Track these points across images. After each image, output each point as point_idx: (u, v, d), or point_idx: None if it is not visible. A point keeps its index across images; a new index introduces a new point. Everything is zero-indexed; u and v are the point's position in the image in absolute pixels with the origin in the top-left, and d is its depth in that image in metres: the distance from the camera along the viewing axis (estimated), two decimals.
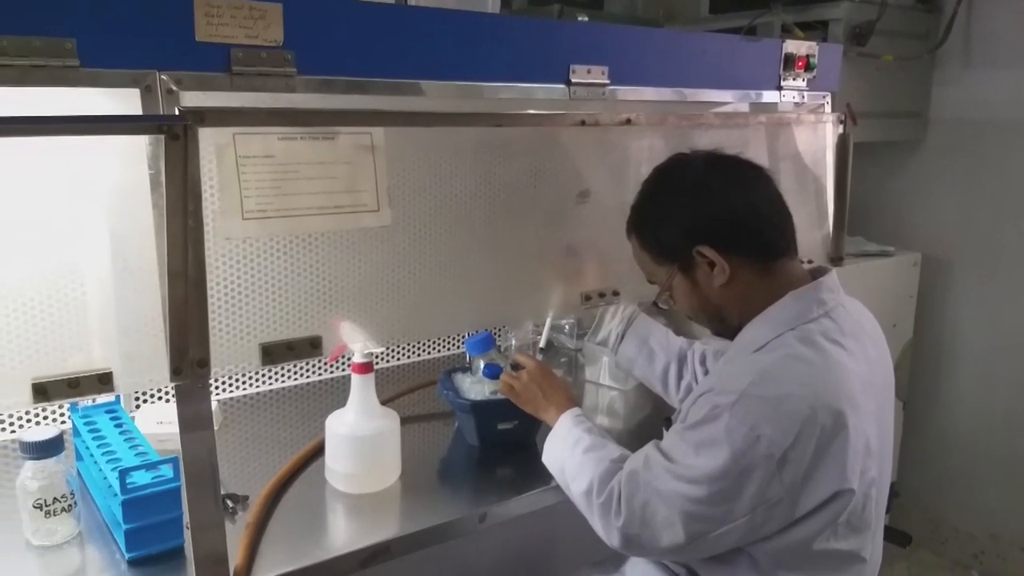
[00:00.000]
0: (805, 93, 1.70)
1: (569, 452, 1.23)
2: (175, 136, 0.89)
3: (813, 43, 1.68)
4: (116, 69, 0.95)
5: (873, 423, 1.11)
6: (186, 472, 1.01)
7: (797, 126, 1.68)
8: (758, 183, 1.20)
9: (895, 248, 2.55)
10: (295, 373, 1.84)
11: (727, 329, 1.23)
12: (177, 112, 0.94)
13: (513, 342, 1.85)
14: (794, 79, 1.66)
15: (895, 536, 2.18)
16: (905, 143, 2.66)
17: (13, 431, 1.52)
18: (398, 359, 2.00)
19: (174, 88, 0.98)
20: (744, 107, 1.65)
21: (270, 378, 1.81)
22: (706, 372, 1.49)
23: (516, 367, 1.46)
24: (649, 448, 1.13)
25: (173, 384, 0.98)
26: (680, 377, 1.53)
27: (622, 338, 1.59)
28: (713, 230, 1.16)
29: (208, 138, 0.99)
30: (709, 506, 1.04)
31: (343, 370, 1.87)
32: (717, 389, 1.08)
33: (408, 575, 1.47)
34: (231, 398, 1.75)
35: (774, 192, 1.21)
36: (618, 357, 1.62)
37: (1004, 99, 2.44)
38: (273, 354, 1.10)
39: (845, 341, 1.12)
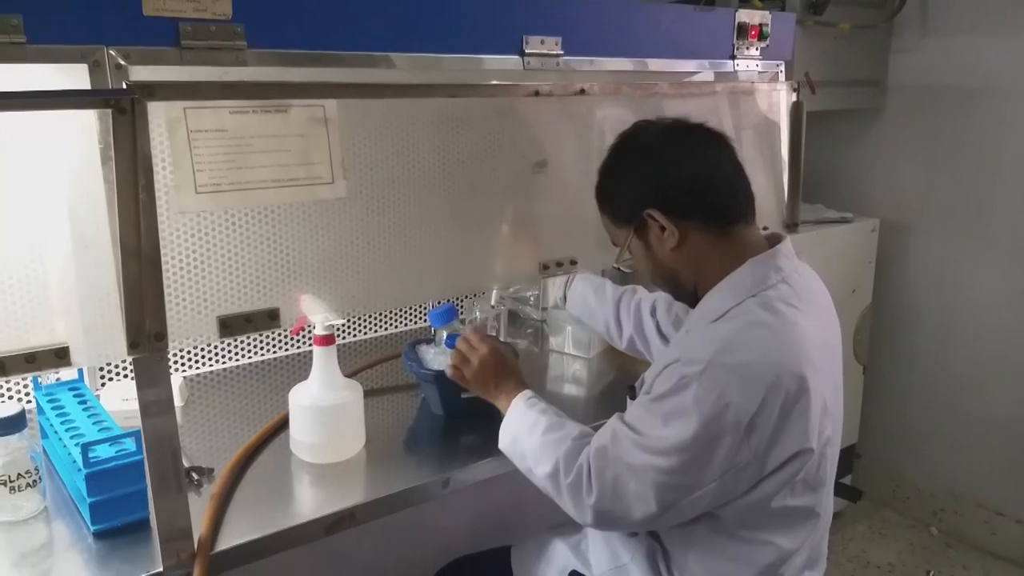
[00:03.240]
0: (759, 62, 1.72)
1: (527, 436, 1.24)
2: (122, 110, 0.90)
3: (766, 12, 1.70)
4: (63, 45, 0.95)
5: (829, 384, 1.15)
6: (147, 443, 1.03)
7: (751, 95, 1.70)
8: (713, 150, 1.22)
9: (854, 215, 2.61)
10: (260, 348, 1.85)
11: (683, 293, 1.25)
12: (124, 86, 0.95)
13: (477, 313, 1.87)
14: (747, 48, 1.68)
15: (846, 492, 2.24)
16: (864, 111, 2.70)
17: None
18: (364, 333, 2.01)
19: (122, 63, 0.98)
20: (701, 76, 1.67)
21: (235, 354, 1.82)
22: (657, 324, 1.54)
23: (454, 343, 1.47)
24: (615, 422, 1.14)
25: (131, 357, 0.99)
26: (619, 324, 1.61)
27: (565, 298, 1.70)
28: (663, 194, 1.18)
29: (159, 112, 0.99)
30: (680, 475, 1.06)
31: (308, 345, 1.89)
32: (683, 359, 1.09)
33: (375, 542, 1.50)
34: (197, 374, 1.76)
35: (729, 159, 1.22)
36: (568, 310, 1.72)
37: (961, 65, 2.49)
38: (231, 326, 1.11)
39: (802, 306, 1.14)
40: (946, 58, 2.52)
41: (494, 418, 1.39)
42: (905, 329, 2.77)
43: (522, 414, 1.28)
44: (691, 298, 1.25)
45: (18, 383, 1.54)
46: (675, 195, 1.18)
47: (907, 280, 2.74)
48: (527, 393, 1.33)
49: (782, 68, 1.78)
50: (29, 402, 1.52)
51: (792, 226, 1.78)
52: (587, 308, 1.66)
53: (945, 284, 2.65)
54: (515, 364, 1.43)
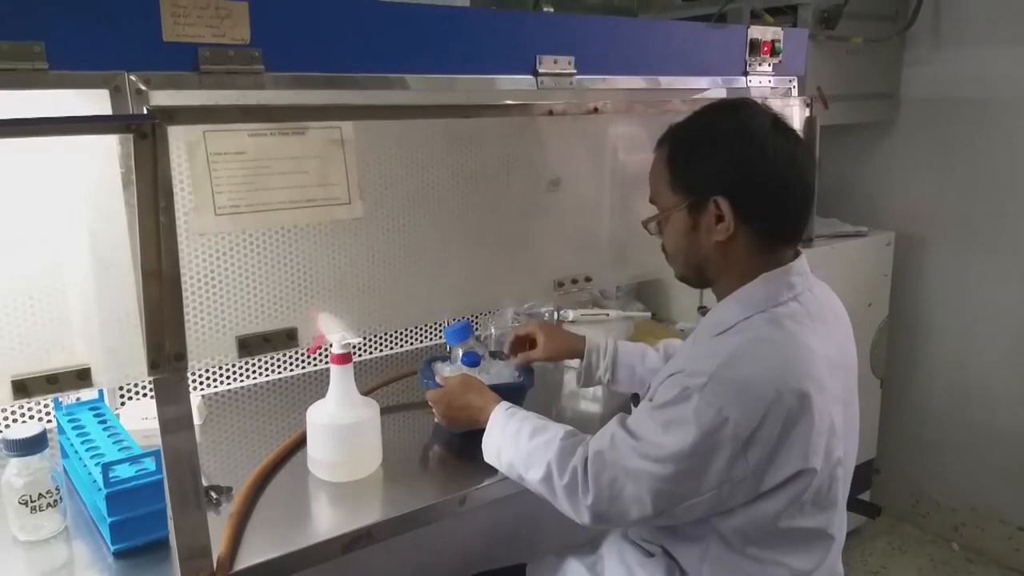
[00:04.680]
0: (771, 78, 1.72)
1: (512, 444, 1.25)
2: (143, 135, 0.91)
3: (778, 28, 1.71)
4: (85, 71, 0.97)
5: (839, 404, 1.14)
6: (166, 462, 1.04)
7: None
8: (805, 167, 1.17)
9: (869, 228, 2.59)
10: (278, 367, 1.86)
11: (697, 281, 1.24)
12: (145, 111, 0.96)
13: (493, 331, 1.87)
14: (760, 64, 1.69)
15: (865, 508, 2.22)
16: (877, 124, 2.69)
17: None
18: (381, 350, 2.02)
19: (143, 88, 1.00)
20: (713, 93, 1.68)
21: (253, 373, 1.83)
22: None
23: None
24: (614, 427, 1.15)
25: (151, 378, 1.01)
26: None
27: (612, 375, 1.57)
28: (741, 189, 1.13)
29: (179, 136, 1.01)
30: (675, 483, 1.07)
31: (325, 363, 1.89)
32: (687, 371, 1.09)
33: (391, 559, 1.50)
34: (215, 393, 1.77)
35: (810, 180, 1.19)
36: (614, 389, 1.61)
37: (974, 77, 2.48)
38: (250, 346, 1.12)
39: (812, 324, 1.13)
40: (959, 70, 2.51)
41: None
42: (922, 342, 2.75)
43: (503, 425, 1.29)
44: (699, 284, 1.25)
45: (39, 403, 1.56)
46: (754, 195, 1.14)
47: (923, 293, 2.72)
48: (504, 404, 1.34)
49: (795, 83, 1.79)
50: (50, 422, 1.53)
51: (807, 241, 1.77)
52: (636, 379, 1.57)
53: (962, 296, 2.63)
54: (479, 384, 1.43)
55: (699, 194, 1.16)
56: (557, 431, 1.22)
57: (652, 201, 1.25)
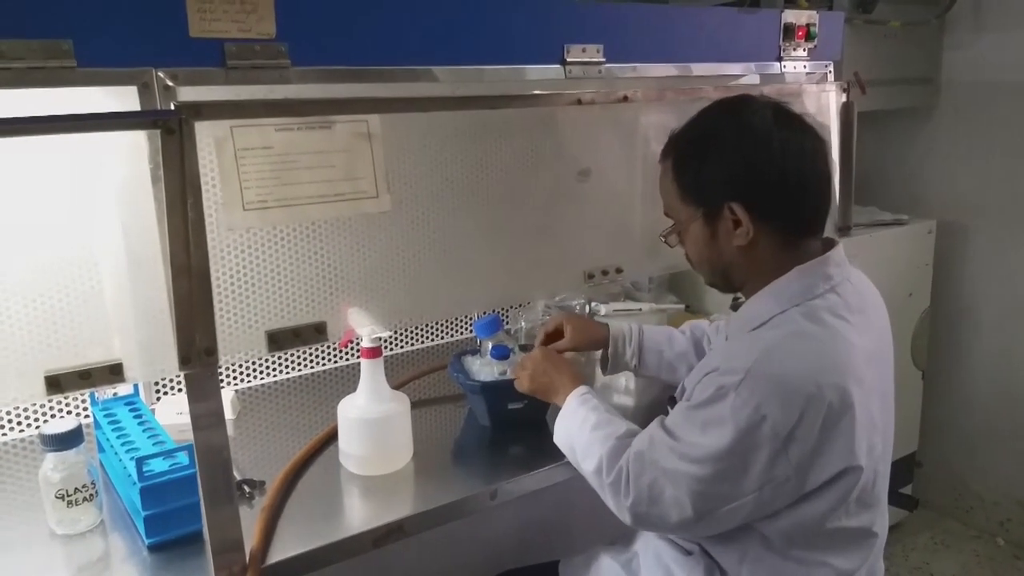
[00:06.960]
0: (806, 63, 1.69)
1: (577, 431, 1.24)
2: (170, 130, 0.91)
3: (813, 12, 1.67)
4: (112, 68, 0.97)
5: (877, 397, 1.11)
6: (198, 457, 1.04)
7: (799, 97, 1.67)
8: (817, 155, 1.14)
9: (909, 216, 2.53)
10: (310, 362, 1.87)
11: (725, 286, 1.22)
12: (172, 107, 0.96)
13: (523, 324, 1.86)
14: (795, 49, 1.65)
15: (902, 501, 2.17)
16: (917, 110, 2.63)
17: (37, 426, 1.56)
18: (412, 344, 2.02)
19: (170, 84, 1.01)
20: (747, 79, 1.64)
21: (286, 367, 1.84)
22: None
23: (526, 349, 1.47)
24: (653, 428, 1.13)
25: (182, 373, 1.01)
26: None
27: (640, 360, 1.53)
28: (754, 190, 1.11)
29: (206, 131, 1.02)
30: (715, 484, 1.05)
31: (355, 357, 1.90)
32: (722, 368, 1.07)
33: (422, 554, 1.50)
34: (249, 388, 1.78)
35: (824, 167, 1.15)
36: (642, 374, 1.57)
37: (1016, 61, 2.41)
38: (279, 341, 1.12)
39: (851, 316, 1.10)
40: (1001, 54, 2.44)
41: (540, 429, 1.39)
42: (965, 333, 2.68)
43: (575, 409, 1.28)
44: (730, 290, 1.23)
45: (75, 399, 1.58)
46: (769, 194, 1.11)
47: (966, 282, 2.65)
48: (582, 389, 1.32)
49: (831, 68, 1.75)
50: (86, 417, 1.55)
51: (844, 229, 1.74)
52: (664, 363, 1.53)
53: (1006, 285, 2.56)
54: (567, 363, 1.41)
55: (711, 203, 1.14)
56: (618, 428, 1.20)
57: (667, 214, 1.23)
